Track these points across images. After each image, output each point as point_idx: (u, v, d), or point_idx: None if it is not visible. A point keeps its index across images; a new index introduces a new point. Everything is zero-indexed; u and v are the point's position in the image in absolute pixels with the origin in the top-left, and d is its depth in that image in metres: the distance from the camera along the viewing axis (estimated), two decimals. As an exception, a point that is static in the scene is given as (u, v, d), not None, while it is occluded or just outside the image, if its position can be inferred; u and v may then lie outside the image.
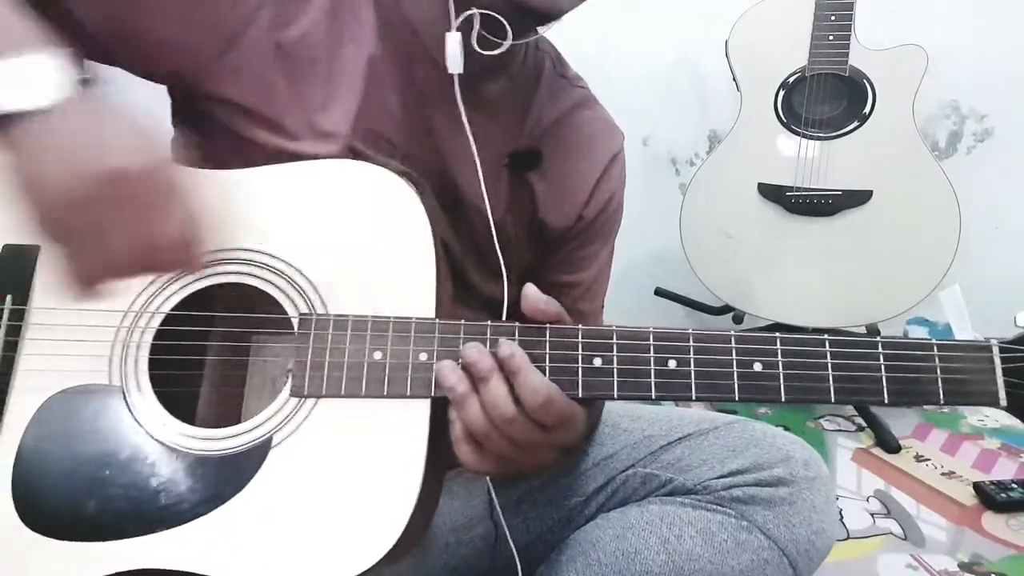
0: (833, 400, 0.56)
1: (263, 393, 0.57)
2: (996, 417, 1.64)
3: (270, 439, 0.56)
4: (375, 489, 0.55)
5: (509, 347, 0.55)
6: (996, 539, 1.24)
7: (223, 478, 0.55)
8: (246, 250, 0.59)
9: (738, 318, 1.85)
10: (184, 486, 0.55)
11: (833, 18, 1.50)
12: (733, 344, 0.56)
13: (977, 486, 1.35)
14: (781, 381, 0.55)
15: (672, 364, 0.56)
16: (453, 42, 0.63)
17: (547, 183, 0.74)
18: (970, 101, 1.89)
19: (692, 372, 0.56)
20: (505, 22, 0.62)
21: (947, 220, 1.52)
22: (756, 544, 0.67)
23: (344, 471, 0.55)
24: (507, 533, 0.69)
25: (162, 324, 0.58)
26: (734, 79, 1.61)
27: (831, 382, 0.55)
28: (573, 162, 0.76)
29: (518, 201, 0.73)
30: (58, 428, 0.56)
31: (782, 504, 0.69)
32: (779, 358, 0.55)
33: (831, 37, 1.51)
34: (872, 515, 1.31)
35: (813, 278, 1.60)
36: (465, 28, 0.62)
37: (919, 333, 1.84)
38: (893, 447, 1.51)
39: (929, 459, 1.48)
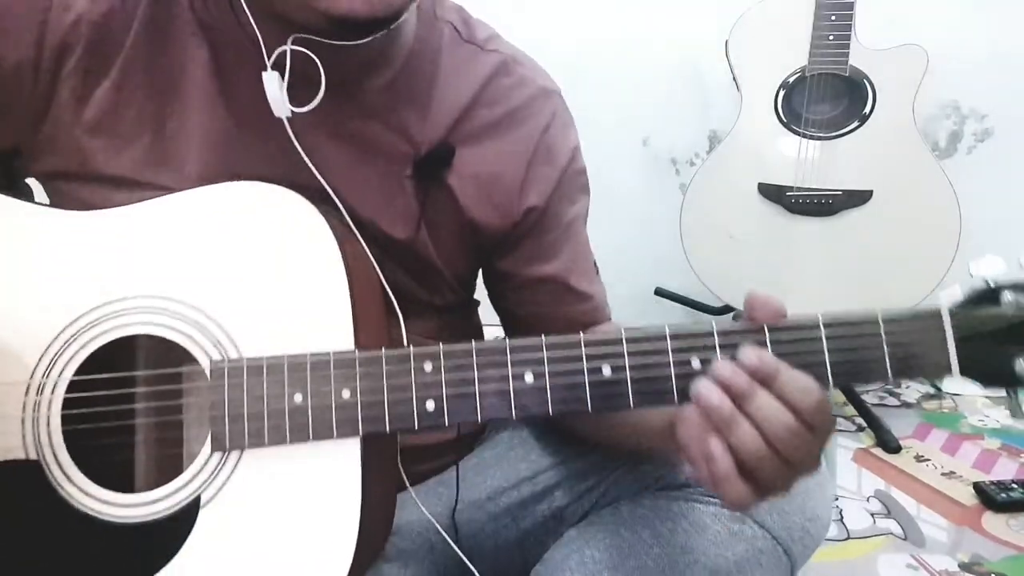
0: None
1: (200, 445, 0.54)
2: (996, 417, 1.64)
3: (198, 498, 0.53)
4: (312, 537, 0.53)
5: (753, 353, 0.49)
6: (996, 539, 1.23)
7: (155, 544, 0.53)
8: (145, 296, 0.55)
9: (738, 318, 1.85)
10: (115, 557, 0.53)
11: (833, 18, 1.50)
12: (668, 343, 0.52)
13: (977, 486, 1.35)
14: None
15: (607, 372, 0.52)
16: (272, 83, 0.57)
17: (468, 180, 0.67)
18: (970, 101, 1.88)
19: (628, 380, 0.52)
20: (318, 61, 0.57)
21: (947, 220, 1.52)
22: (750, 534, 0.67)
23: (278, 522, 0.53)
24: (447, 537, 0.68)
25: (72, 388, 0.55)
26: (734, 79, 1.61)
27: None
28: (496, 147, 0.67)
29: (436, 211, 0.66)
30: None
31: None
32: (717, 352, 0.52)
33: (831, 37, 1.51)
34: (872, 515, 1.31)
35: (813, 278, 1.60)
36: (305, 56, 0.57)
37: (919, 333, 1.84)
38: (893, 447, 1.51)
39: (929, 459, 1.48)
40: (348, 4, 0.53)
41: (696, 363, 0.52)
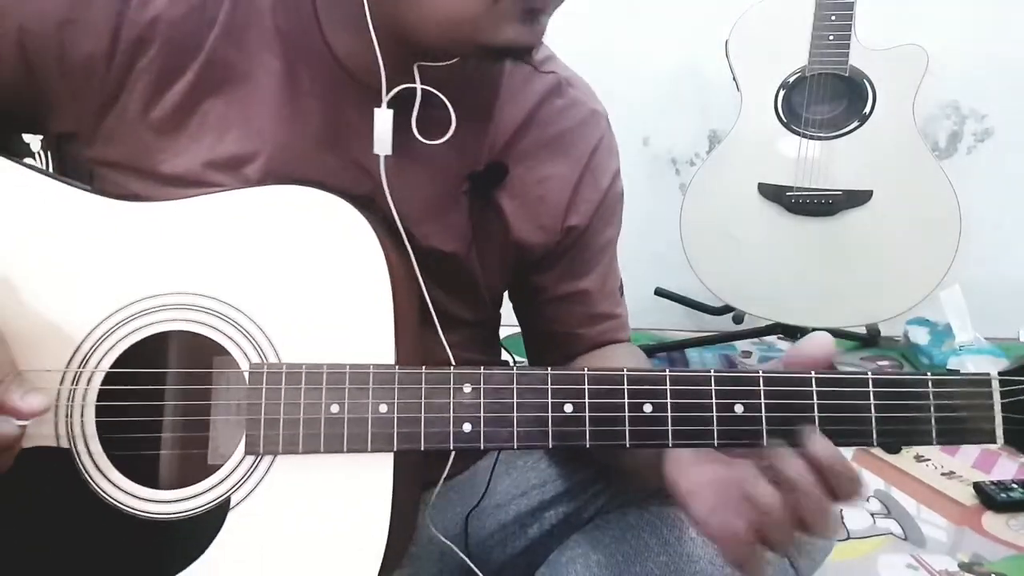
0: None
1: (233, 447, 0.54)
2: (996, 417, 1.64)
3: (228, 500, 0.53)
4: (340, 546, 0.53)
5: (822, 445, 0.49)
6: (996, 539, 1.23)
7: (181, 543, 0.53)
8: (188, 294, 0.55)
9: (738, 318, 1.85)
10: (141, 552, 0.54)
11: (833, 18, 1.50)
12: (713, 386, 0.52)
13: (977, 486, 1.35)
14: (764, 424, 0.52)
15: (647, 409, 0.52)
16: (383, 121, 0.56)
17: (517, 199, 0.67)
18: (970, 101, 1.89)
19: (669, 417, 0.52)
20: (448, 104, 0.57)
21: (947, 220, 1.52)
22: None
23: (307, 529, 0.53)
24: (461, 553, 0.68)
25: (108, 379, 0.55)
26: (734, 79, 1.61)
27: (816, 424, 0.51)
28: (545, 168, 0.68)
29: (484, 228, 0.67)
30: (9, 493, 0.54)
31: None
32: (762, 400, 0.52)
33: (831, 37, 1.51)
34: (872, 515, 1.31)
35: (813, 278, 1.60)
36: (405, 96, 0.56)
37: (919, 333, 1.84)
38: (893, 447, 1.51)
39: (929, 459, 1.48)
40: (516, 36, 0.54)
41: (739, 409, 0.52)
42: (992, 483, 1.35)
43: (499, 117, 0.66)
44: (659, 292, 1.96)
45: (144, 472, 0.55)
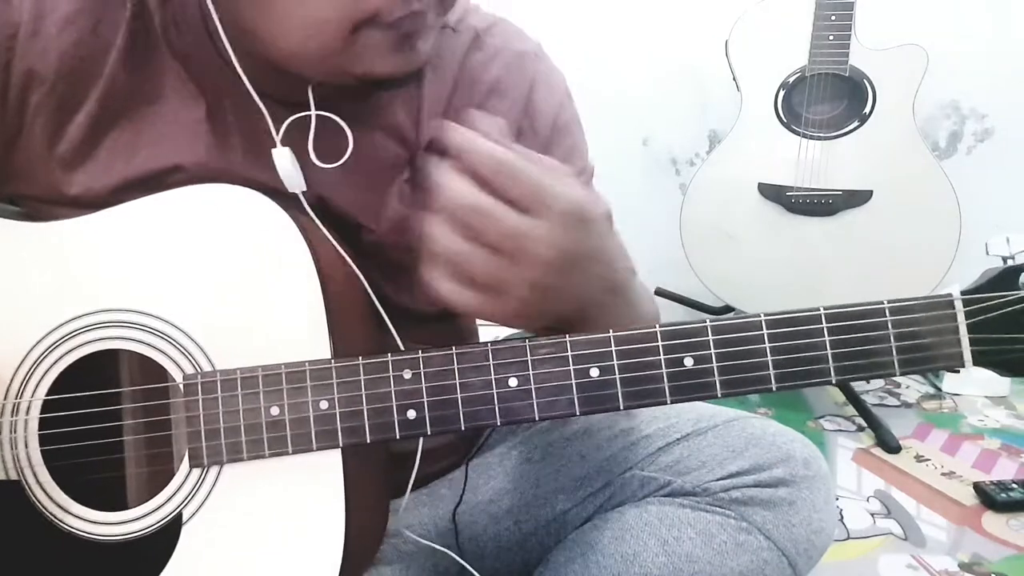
0: (774, 388, 0.50)
1: (178, 461, 0.54)
2: (996, 417, 1.64)
3: (180, 515, 0.52)
4: (297, 550, 0.52)
5: (452, 131, 0.46)
6: (996, 539, 1.23)
7: (138, 562, 0.52)
8: (115, 310, 0.54)
9: (738, 318, 1.85)
10: (99, 575, 0.53)
11: (833, 18, 1.50)
12: (660, 342, 0.50)
13: (977, 486, 1.35)
14: (716, 375, 0.50)
15: (594, 373, 0.51)
16: (283, 159, 0.55)
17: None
18: (970, 101, 1.88)
19: (617, 380, 0.50)
20: (344, 125, 0.54)
21: (947, 220, 1.52)
22: (755, 545, 0.67)
23: (262, 537, 0.52)
24: (452, 553, 0.67)
25: (47, 407, 0.54)
26: (734, 79, 1.61)
27: (771, 368, 0.50)
28: (484, 127, 0.68)
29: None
30: None
31: (782, 504, 0.68)
32: (712, 350, 0.50)
33: (831, 37, 1.51)
34: (872, 515, 1.31)
35: (813, 278, 1.60)
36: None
37: (919, 333, 1.83)
38: (893, 447, 1.51)
39: (929, 459, 1.48)
40: (392, 66, 0.53)
41: (689, 362, 0.50)
42: (992, 483, 1.35)
43: (429, 93, 0.64)
44: (659, 292, 1.96)
45: (98, 494, 0.54)
